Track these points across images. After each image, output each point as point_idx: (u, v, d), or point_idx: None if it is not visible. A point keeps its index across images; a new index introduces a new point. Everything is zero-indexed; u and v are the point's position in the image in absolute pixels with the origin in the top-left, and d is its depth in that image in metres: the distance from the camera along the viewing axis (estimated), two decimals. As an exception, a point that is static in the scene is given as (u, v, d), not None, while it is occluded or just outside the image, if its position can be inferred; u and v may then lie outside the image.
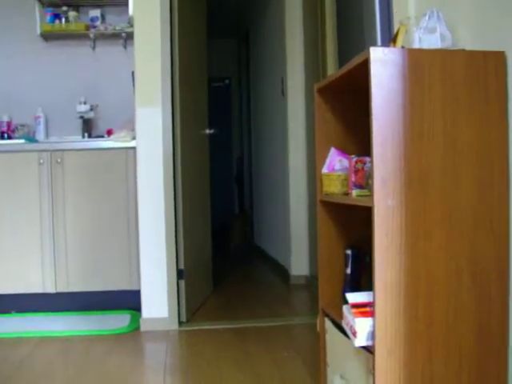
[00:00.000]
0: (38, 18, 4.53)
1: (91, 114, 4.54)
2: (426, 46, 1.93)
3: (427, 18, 1.96)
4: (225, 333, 3.47)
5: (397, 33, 2.00)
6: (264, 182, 6.60)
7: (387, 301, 1.75)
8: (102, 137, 4.35)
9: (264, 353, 3.05)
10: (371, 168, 1.76)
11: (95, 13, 4.60)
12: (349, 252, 2.32)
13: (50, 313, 3.90)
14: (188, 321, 3.74)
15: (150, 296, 3.62)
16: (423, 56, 1.79)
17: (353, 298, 1.95)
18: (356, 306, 1.91)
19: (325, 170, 2.37)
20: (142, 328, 3.57)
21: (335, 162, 2.35)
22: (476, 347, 1.81)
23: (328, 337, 2.39)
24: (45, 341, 3.34)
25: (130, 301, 3.87)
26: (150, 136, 3.60)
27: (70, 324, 3.65)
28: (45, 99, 4.61)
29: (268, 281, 5.25)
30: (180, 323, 3.65)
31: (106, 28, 4.56)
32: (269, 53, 5.96)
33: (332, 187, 2.29)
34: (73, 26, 4.54)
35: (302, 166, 4.97)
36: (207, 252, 4.49)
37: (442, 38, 1.93)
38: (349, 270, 2.32)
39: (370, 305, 1.85)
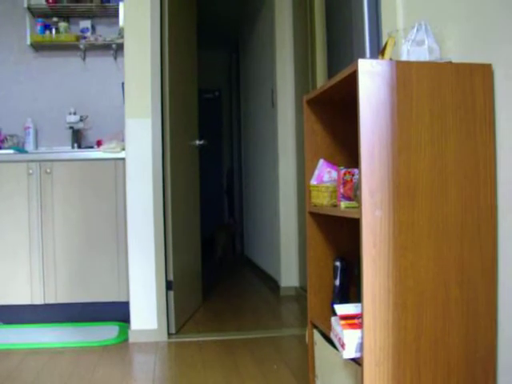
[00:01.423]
0: (29, 29, 4.54)
1: (81, 125, 4.54)
2: (414, 58, 1.95)
3: (415, 30, 1.98)
4: (214, 345, 3.45)
5: (385, 45, 2.01)
6: (254, 193, 6.61)
7: (375, 312, 1.75)
8: (92, 147, 4.35)
9: (253, 365, 3.04)
10: (359, 179, 1.76)
11: (86, 24, 4.62)
12: (337, 263, 2.33)
13: (38, 324, 3.87)
14: (177, 332, 3.72)
15: (139, 307, 3.60)
16: (411, 68, 1.80)
17: (341, 309, 1.95)
18: (344, 317, 1.91)
19: (313, 182, 2.38)
20: (131, 339, 3.56)
21: (324, 174, 2.36)
22: (464, 358, 1.81)
23: (317, 349, 2.38)
24: (33, 353, 3.31)
25: (118, 312, 3.86)
26: (139, 147, 3.60)
27: (58, 336, 3.62)
28: (34, 109, 4.60)
29: (258, 292, 5.24)
30: (169, 335, 3.64)
31: (96, 39, 4.57)
32: (259, 64, 5.98)
33: (321, 199, 2.30)
34: (63, 37, 4.55)
35: (291, 178, 4.98)
36: (197, 263, 4.48)
37: (430, 50, 1.94)
38: (337, 282, 2.33)
39: (359, 316, 1.85)
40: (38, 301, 3.87)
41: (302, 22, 4.62)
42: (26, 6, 4.47)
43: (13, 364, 3.11)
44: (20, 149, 4.22)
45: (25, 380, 2.85)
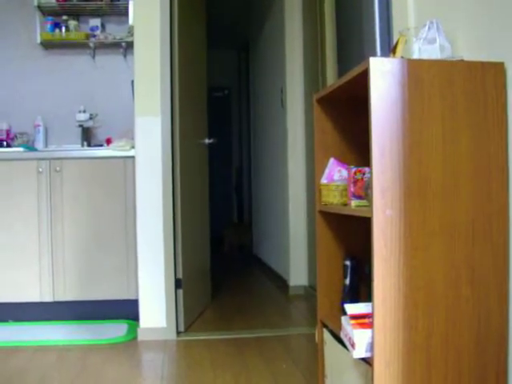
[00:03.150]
0: (38, 27, 4.55)
1: (90, 123, 4.54)
2: (425, 56, 1.93)
3: (427, 28, 1.96)
4: (223, 343, 3.45)
5: (396, 43, 2.01)
6: (263, 192, 6.60)
7: (386, 312, 1.74)
8: (101, 145, 4.35)
9: (262, 364, 3.04)
10: (370, 178, 1.75)
11: (95, 22, 4.62)
12: (348, 263, 2.31)
13: (47, 322, 3.88)
14: (186, 331, 3.72)
15: (148, 305, 3.61)
16: (422, 66, 1.79)
17: (351, 309, 1.94)
18: (355, 317, 1.90)
19: (324, 181, 2.37)
20: (140, 338, 3.56)
21: (334, 173, 2.35)
22: (475, 358, 1.80)
23: (326, 348, 2.37)
24: (41, 350, 3.32)
25: (127, 310, 3.86)
26: (149, 145, 3.60)
27: (67, 333, 3.63)
28: (44, 107, 4.61)
29: (266, 291, 5.23)
30: (178, 333, 3.64)
31: (105, 37, 4.58)
32: (268, 63, 5.97)
33: (331, 197, 2.29)
34: (73, 35, 4.55)
35: (301, 176, 4.97)
36: (206, 262, 4.48)
37: (442, 48, 1.93)
38: (348, 281, 2.32)
39: (369, 316, 1.84)
40: (48, 298, 3.88)
41: (311, 20, 4.61)
42: (35, 4, 4.48)
43: (22, 361, 3.12)
44: (30, 147, 4.23)
45: (33, 377, 2.86)
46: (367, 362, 1.86)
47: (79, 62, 4.69)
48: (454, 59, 1.90)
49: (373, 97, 1.74)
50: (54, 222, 3.87)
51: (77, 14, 4.64)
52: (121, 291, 3.90)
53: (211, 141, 4.41)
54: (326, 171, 2.38)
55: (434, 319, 1.78)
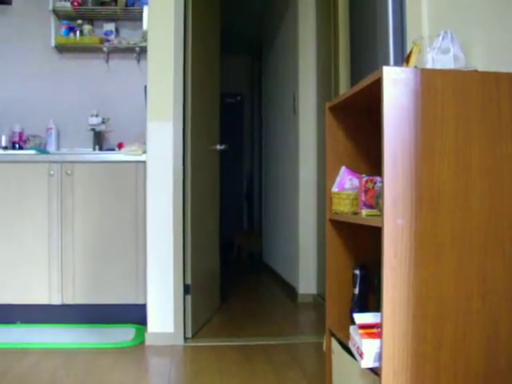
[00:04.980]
0: (53, 31, 4.58)
1: (102, 127, 4.56)
2: (439, 66, 1.93)
3: (441, 38, 1.96)
4: (230, 350, 3.44)
5: (410, 53, 2.00)
6: (273, 198, 6.59)
7: (395, 322, 1.73)
8: (113, 150, 4.37)
9: (269, 371, 3.02)
10: (381, 187, 1.75)
11: (110, 27, 4.65)
12: (357, 272, 2.30)
13: (55, 325, 3.89)
14: (193, 336, 3.71)
15: (156, 310, 3.60)
16: (436, 76, 1.78)
17: (360, 318, 1.93)
18: (363, 326, 1.89)
19: (335, 189, 2.36)
20: (147, 342, 3.55)
21: (345, 181, 2.34)
22: (484, 371, 1.78)
23: (334, 357, 2.36)
24: (49, 353, 3.32)
25: (135, 315, 3.86)
26: (160, 150, 3.60)
27: (75, 336, 3.63)
28: (57, 111, 4.64)
29: (275, 299, 5.22)
30: (185, 339, 3.63)
31: (119, 42, 4.60)
32: (281, 70, 5.97)
33: (341, 206, 2.28)
34: (87, 39, 4.59)
35: (312, 185, 4.96)
36: (215, 268, 4.47)
37: (456, 58, 1.92)
38: (357, 290, 2.31)
39: (378, 326, 1.83)
40: (56, 301, 3.89)
41: (325, 27, 4.61)
42: (51, 8, 4.52)
43: (29, 363, 3.12)
44: (42, 149, 4.25)
45: (40, 380, 2.86)
46: (375, 372, 1.85)
47: (93, 66, 4.71)
48: (468, 69, 1.89)
49: (385, 106, 1.73)
50: (64, 225, 3.88)
51: (91, 19, 4.68)
52: (129, 295, 3.90)
53: (223, 147, 4.41)
54: (338, 180, 2.38)
55: (443, 330, 1.76)
